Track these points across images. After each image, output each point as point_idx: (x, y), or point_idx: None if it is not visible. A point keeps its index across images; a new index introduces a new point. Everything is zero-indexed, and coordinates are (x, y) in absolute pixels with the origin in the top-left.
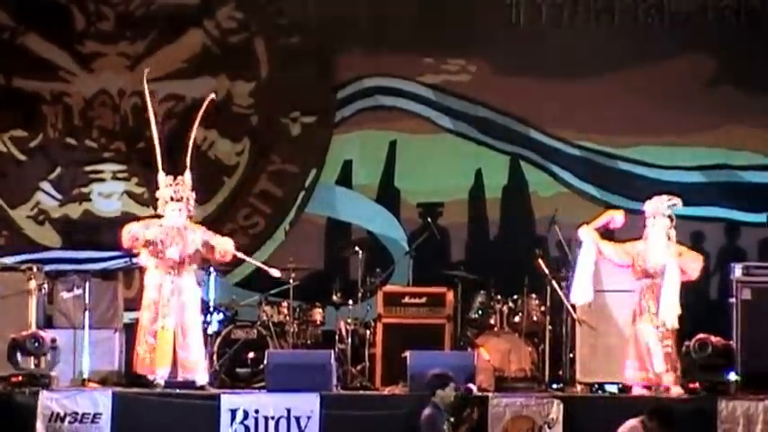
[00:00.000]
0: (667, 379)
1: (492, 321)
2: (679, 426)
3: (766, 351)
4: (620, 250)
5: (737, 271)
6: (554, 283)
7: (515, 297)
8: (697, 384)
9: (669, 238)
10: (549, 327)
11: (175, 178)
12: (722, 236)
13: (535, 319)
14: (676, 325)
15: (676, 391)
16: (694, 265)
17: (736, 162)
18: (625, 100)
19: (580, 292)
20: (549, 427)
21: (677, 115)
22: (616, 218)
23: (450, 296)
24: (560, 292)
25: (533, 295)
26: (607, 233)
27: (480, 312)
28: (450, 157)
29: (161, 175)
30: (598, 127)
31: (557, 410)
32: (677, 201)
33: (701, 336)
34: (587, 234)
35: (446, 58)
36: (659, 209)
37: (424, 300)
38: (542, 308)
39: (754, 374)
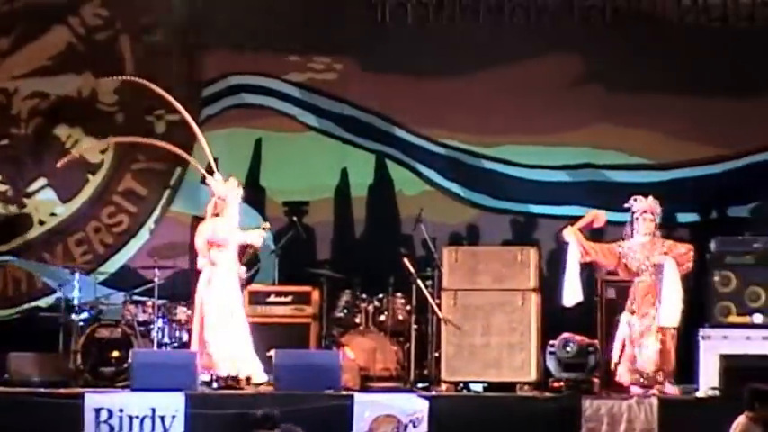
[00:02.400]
0: (659, 377)
1: (357, 320)
2: (543, 425)
3: None
4: (605, 250)
5: (601, 270)
6: (419, 281)
7: (381, 296)
8: (561, 383)
9: (654, 236)
10: (415, 326)
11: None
12: (587, 235)
13: (401, 318)
14: (677, 323)
15: (671, 389)
16: (687, 255)
17: (601, 161)
18: (491, 99)
19: (570, 294)
20: (414, 426)
21: (543, 114)
22: (599, 217)
23: (315, 295)
24: (425, 291)
25: (399, 294)
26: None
27: (346, 311)
28: (315, 156)
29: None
30: (464, 126)
31: (422, 409)
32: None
33: (565, 335)
34: (572, 235)
35: (312, 56)
36: (653, 206)
37: (289, 298)
38: (408, 307)
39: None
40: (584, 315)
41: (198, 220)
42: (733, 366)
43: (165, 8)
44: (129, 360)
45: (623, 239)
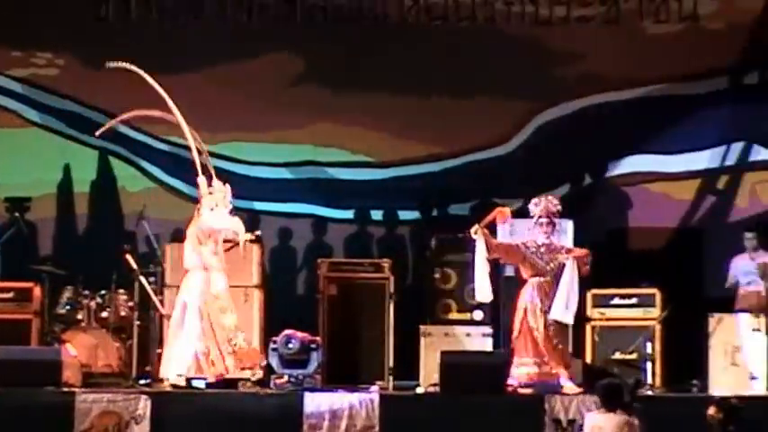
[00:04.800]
0: (560, 374)
1: (80, 317)
2: (266, 422)
3: (351, 346)
4: (510, 249)
5: (324, 267)
6: (142, 278)
7: (103, 292)
8: (284, 379)
9: (554, 237)
10: (138, 322)
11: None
12: (309, 232)
13: (123, 314)
14: (571, 321)
15: (569, 386)
16: (586, 258)
17: (323, 159)
18: (215, 96)
19: (481, 291)
20: (137, 423)
21: (266, 112)
22: (503, 214)
23: (37, 291)
24: (148, 288)
25: (122, 291)
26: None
27: (68, 308)
28: (38, 152)
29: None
30: (188, 122)
31: (144, 406)
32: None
33: (287, 331)
34: (478, 233)
35: (34, 51)
36: (551, 209)
37: (11, 295)
38: (130, 303)
39: (340, 369)
40: (307, 312)
41: None
42: (453, 363)
43: None
44: None
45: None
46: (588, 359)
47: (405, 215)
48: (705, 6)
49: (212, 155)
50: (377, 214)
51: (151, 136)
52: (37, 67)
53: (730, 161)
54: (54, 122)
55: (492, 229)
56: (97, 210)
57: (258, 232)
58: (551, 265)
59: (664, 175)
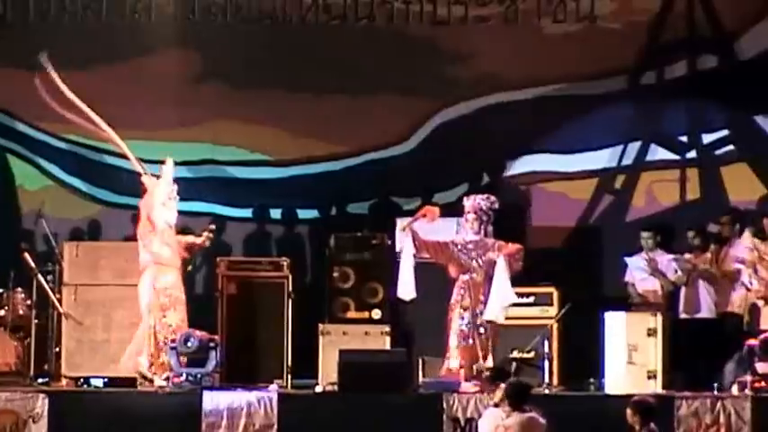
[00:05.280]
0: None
1: None
2: (165, 420)
3: (250, 344)
4: (438, 246)
5: (222, 265)
6: (40, 276)
7: (1, 291)
8: (182, 378)
9: (486, 234)
10: (35, 321)
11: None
12: None
13: (21, 313)
14: (503, 319)
15: (466, 386)
16: (518, 255)
17: (222, 157)
18: (113, 94)
19: (404, 289)
20: (35, 422)
21: (165, 110)
22: (431, 212)
23: None
24: (46, 286)
25: (19, 289)
26: None
27: None
28: None
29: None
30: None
31: (42, 405)
32: (495, 198)
33: (185, 330)
34: (404, 230)
35: None
36: (480, 205)
37: None
38: (28, 302)
39: (239, 368)
40: (206, 311)
41: None
42: (351, 361)
43: None
44: None
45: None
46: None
47: (304, 214)
48: (603, 6)
49: (111, 153)
50: (276, 213)
51: (50, 134)
52: None
53: (628, 161)
54: None
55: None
56: None
57: (212, 226)
58: (479, 260)
59: (561, 174)
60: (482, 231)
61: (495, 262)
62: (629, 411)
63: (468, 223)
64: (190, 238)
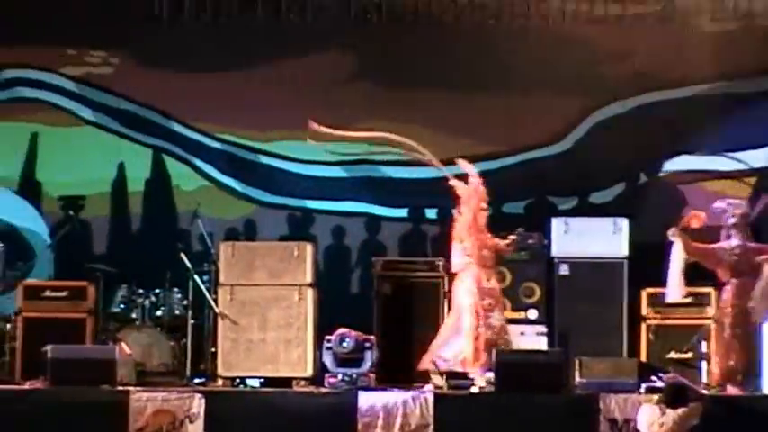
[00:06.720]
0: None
1: (134, 315)
2: (320, 420)
3: (405, 344)
4: (707, 252)
5: (378, 265)
6: (196, 276)
7: (158, 291)
8: (338, 378)
9: (747, 239)
10: (192, 321)
11: None
12: (363, 231)
13: (177, 313)
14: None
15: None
16: None
17: (376, 157)
18: (268, 94)
19: (673, 291)
20: (191, 422)
21: (319, 111)
22: (698, 218)
23: (91, 290)
24: (202, 286)
25: (176, 289)
26: None
27: (122, 306)
28: (92, 150)
29: None
30: (242, 121)
31: (198, 405)
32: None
33: (341, 330)
34: (676, 236)
35: (88, 50)
36: (740, 212)
37: (65, 293)
38: (185, 302)
39: (394, 368)
40: (361, 311)
41: None
42: (508, 361)
43: None
44: None
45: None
46: (643, 358)
47: None
48: (761, 4)
49: (266, 153)
50: (431, 212)
51: (205, 134)
52: (91, 66)
53: None
54: (108, 121)
55: None
56: (151, 208)
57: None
58: (747, 266)
59: (719, 173)
60: (745, 237)
61: (759, 265)
62: None
63: (733, 229)
64: (499, 242)
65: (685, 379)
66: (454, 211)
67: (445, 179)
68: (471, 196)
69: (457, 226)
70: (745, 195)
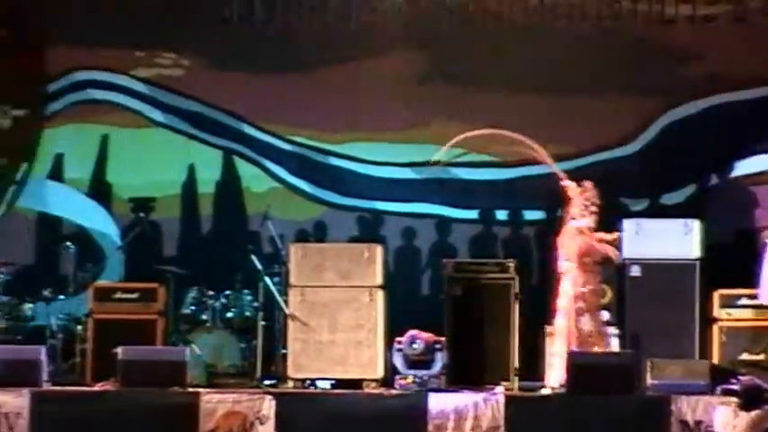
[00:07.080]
0: None
1: (204, 317)
2: (390, 422)
3: (476, 346)
4: None
5: (449, 267)
6: (266, 278)
7: (228, 293)
8: (408, 380)
9: None
10: (262, 322)
11: None
12: (433, 232)
13: (248, 314)
14: None
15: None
16: None
17: (447, 158)
18: (339, 95)
19: (766, 293)
20: (261, 423)
21: (389, 111)
22: None
23: (162, 291)
24: (272, 288)
25: (246, 291)
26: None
27: (193, 308)
28: (162, 152)
29: None
30: (312, 122)
31: (269, 406)
32: None
33: (411, 332)
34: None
35: (159, 51)
36: None
37: (136, 295)
38: (255, 303)
39: (465, 370)
40: (431, 312)
41: (44, 216)
42: (581, 363)
43: (9, 1)
44: None
45: None
46: (715, 360)
47: (530, 215)
48: None
49: (336, 155)
50: (502, 214)
51: (275, 136)
52: (162, 68)
53: None
54: (178, 123)
55: None
56: (221, 210)
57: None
58: None
59: None
60: None
61: None
62: None
63: None
64: (607, 248)
65: (762, 381)
66: (561, 212)
67: (558, 178)
68: (579, 198)
69: (564, 228)
70: None
